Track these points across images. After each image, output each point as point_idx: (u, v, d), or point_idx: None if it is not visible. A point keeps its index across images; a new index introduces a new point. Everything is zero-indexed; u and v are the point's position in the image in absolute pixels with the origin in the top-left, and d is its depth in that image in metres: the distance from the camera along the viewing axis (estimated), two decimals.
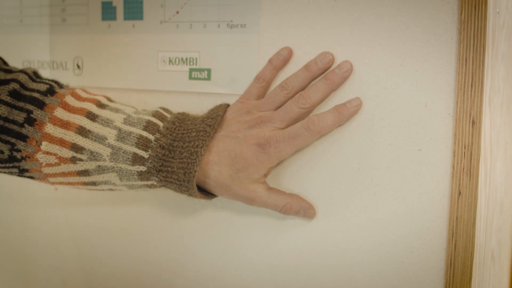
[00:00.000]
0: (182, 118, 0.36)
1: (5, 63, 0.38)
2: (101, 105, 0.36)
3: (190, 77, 0.40)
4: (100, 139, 0.34)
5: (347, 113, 0.35)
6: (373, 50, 0.35)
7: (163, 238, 0.44)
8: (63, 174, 0.34)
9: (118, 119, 0.35)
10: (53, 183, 0.36)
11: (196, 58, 0.40)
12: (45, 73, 0.47)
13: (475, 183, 0.33)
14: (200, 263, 0.43)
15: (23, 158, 0.33)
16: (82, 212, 0.48)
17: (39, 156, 0.33)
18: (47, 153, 0.33)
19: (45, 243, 0.51)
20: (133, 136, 0.34)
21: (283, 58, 0.37)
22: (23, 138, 0.33)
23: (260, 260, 0.40)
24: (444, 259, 0.33)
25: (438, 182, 0.34)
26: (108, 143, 0.34)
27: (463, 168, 0.33)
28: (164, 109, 0.37)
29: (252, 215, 0.40)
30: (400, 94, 0.34)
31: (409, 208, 0.34)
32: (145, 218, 0.45)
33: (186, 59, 0.40)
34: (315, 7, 0.37)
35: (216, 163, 0.34)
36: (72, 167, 0.34)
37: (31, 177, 0.36)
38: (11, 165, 0.34)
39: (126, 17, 0.42)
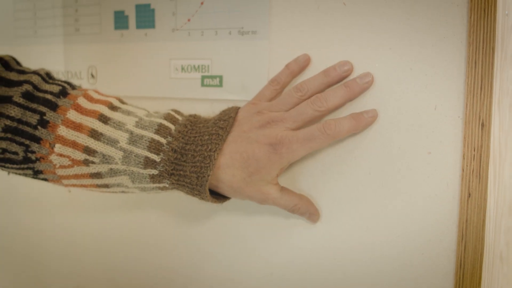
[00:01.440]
0: (194, 121, 0.36)
1: (18, 63, 0.37)
2: (113, 107, 0.36)
3: (202, 84, 0.41)
4: (112, 142, 0.33)
5: (363, 122, 0.35)
6: (383, 53, 0.35)
7: (178, 243, 0.45)
8: (76, 176, 0.35)
9: (130, 122, 0.34)
10: (66, 185, 0.36)
11: (208, 65, 0.40)
12: None
13: (485, 185, 0.33)
14: (214, 266, 0.44)
15: (37, 160, 0.34)
16: (96, 219, 0.49)
17: (53, 158, 0.33)
18: (61, 155, 0.33)
19: (60, 250, 0.52)
20: (145, 140, 0.33)
21: (301, 64, 0.37)
22: (37, 140, 0.33)
23: (272, 262, 0.41)
24: (454, 260, 0.34)
25: (448, 185, 0.34)
26: (120, 146, 0.33)
27: (473, 171, 0.33)
28: (176, 111, 0.37)
29: (263, 216, 0.41)
30: (410, 98, 0.35)
31: (419, 211, 0.35)
32: (159, 224, 0.46)
33: (198, 66, 0.41)
34: (325, 13, 0.37)
35: (229, 166, 0.33)
36: (85, 170, 0.34)
37: (45, 179, 0.36)
38: (25, 166, 0.34)
39: (139, 26, 0.42)
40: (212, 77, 0.40)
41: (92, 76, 0.46)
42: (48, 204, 0.52)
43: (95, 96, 0.36)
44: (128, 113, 0.36)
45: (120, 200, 0.47)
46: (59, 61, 0.46)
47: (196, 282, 0.45)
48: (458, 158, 0.34)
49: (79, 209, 0.50)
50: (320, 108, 0.34)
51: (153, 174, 0.33)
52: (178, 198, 0.45)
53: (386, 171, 0.36)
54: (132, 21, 0.43)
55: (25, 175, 0.36)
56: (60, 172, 0.34)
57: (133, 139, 0.33)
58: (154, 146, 0.33)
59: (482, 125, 0.33)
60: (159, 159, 0.33)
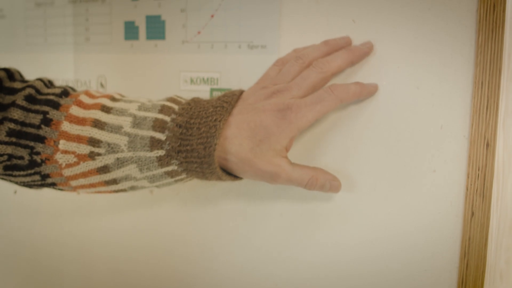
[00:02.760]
0: (197, 100, 0.35)
1: (22, 76, 0.38)
2: (114, 99, 0.35)
3: (211, 97, 0.41)
4: (116, 129, 0.33)
5: (367, 89, 0.35)
6: (390, 72, 0.36)
7: (188, 246, 0.46)
8: (84, 174, 0.34)
9: (132, 107, 0.34)
10: (75, 188, 0.35)
11: (217, 78, 0.41)
12: None
13: (488, 204, 0.34)
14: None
15: (43, 161, 0.33)
16: (104, 224, 0.50)
17: (58, 156, 0.33)
18: (66, 152, 0.33)
19: (72, 256, 0.53)
20: (149, 120, 0.32)
21: None
22: (41, 139, 0.33)
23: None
24: (456, 278, 0.35)
25: (452, 203, 0.35)
26: (124, 131, 0.32)
27: (477, 190, 0.34)
28: (178, 96, 0.36)
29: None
30: (416, 116, 0.35)
31: (423, 227, 0.35)
32: (168, 228, 0.47)
33: (207, 79, 0.41)
34: (334, 28, 0.37)
35: (236, 136, 0.32)
36: (92, 164, 0.33)
37: (54, 184, 0.35)
38: (32, 171, 0.34)
39: (149, 37, 0.42)
40: (221, 90, 0.41)
41: (102, 85, 0.46)
42: (60, 210, 0.52)
43: (96, 93, 0.36)
44: (130, 101, 0.35)
45: (128, 203, 0.48)
46: (69, 70, 0.47)
47: (208, 285, 0.45)
48: (463, 177, 0.34)
49: (87, 214, 0.51)
50: (322, 69, 0.34)
51: (160, 155, 0.32)
52: (188, 199, 0.45)
53: (391, 188, 0.36)
54: (142, 32, 0.43)
55: (33, 182, 0.35)
56: (67, 172, 0.34)
57: (137, 122, 0.33)
58: (159, 125, 0.32)
59: (487, 145, 0.34)
60: (165, 137, 0.32)
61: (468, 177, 0.34)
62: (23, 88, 0.34)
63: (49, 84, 0.36)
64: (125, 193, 0.45)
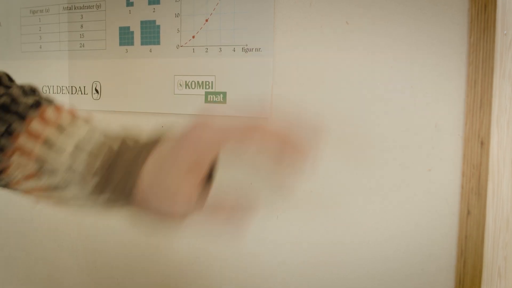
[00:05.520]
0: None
1: (10, 79, 0.38)
2: (74, 118, 0.36)
3: (206, 100, 0.41)
4: (61, 152, 0.32)
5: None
6: (384, 72, 0.36)
7: (189, 252, 0.46)
8: (34, 190, 0.32)
9: (80, 133, 0.34)
10: (34, 198, 0.36)
11: (212, 82, 0.41)
12: (64, 98, 0.47)
13: (484, 203, 0.34)
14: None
15: (1, 172, 0.32)
16: (102, 231, 0.50)
17: (12, 169, 0.31)
18: (18, 166, 0.31)
19: (65, 263, 0.53)
20: (87, 150, 0.33)
21: None
22: (1, 149, 0.31)
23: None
24: (454, 276, 0.35)
25: (448, 202, 0.35)
26: (66, 156, 0.34)
27: (472, 188, 0.34)
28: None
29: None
30: (411, 116, 0.35)
31: (419, 226, 0.36)
32: (165, 234, 0.46)
33: (202, 82, 0.41)
34: (328, 31, 0.37)
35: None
36: (39, 182, 0.32)
37: (16, 191, 0.36)
38: None
39: (143, 42, 0.42)
40: (216, 93, 0.41)
41: (96, 91, 0.46)
42: (50, 221, 0.52)
43: (65, 109, 0.36)
44: (85, 123, 0.35)
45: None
46: (64, 77, 0.46)
47: (207, 280, 0.45)
48: (458, 175, 0.34)
49: (83, 225, 0.50)
50: None
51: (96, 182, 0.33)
52: None
53: (387, 186, 0.36)
54: (137, 37, 0.43)
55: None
56: (20, 185, 0.34)
57: (78, 150, 0.33)
58: (95, 154, 0.33)
59: (482, 143, 0.34)
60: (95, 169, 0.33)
61: (463, 175, 0.34)
62: (0, 96, 0.34)
63: (29, 92, 0.36)
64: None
